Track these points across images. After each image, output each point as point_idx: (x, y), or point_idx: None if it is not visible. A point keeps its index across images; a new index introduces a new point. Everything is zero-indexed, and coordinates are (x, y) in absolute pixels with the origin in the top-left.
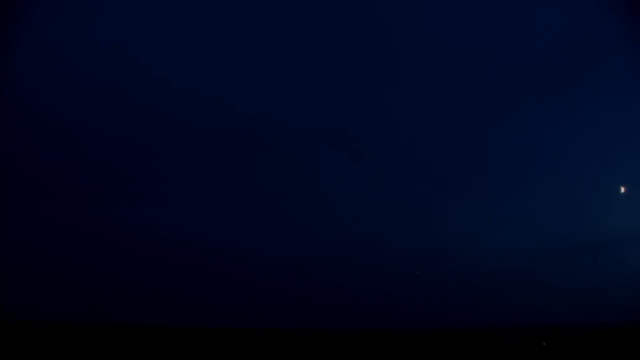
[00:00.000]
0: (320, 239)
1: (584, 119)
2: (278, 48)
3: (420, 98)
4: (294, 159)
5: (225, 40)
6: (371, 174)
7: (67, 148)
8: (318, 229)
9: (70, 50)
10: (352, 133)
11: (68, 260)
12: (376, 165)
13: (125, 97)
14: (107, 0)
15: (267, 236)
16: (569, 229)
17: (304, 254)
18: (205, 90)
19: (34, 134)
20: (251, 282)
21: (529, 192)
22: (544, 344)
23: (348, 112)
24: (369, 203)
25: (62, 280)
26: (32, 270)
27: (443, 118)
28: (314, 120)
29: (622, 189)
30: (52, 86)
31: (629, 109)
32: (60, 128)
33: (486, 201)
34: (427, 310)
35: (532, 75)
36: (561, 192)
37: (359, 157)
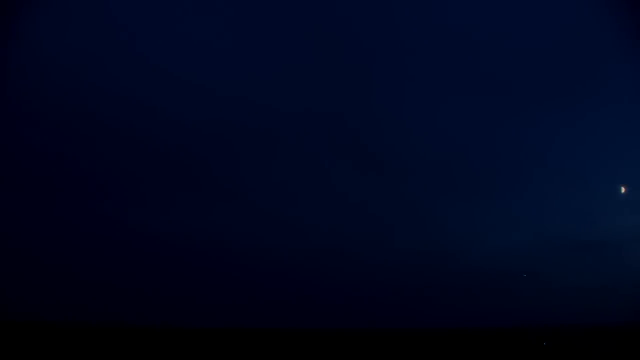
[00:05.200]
0: (322, 238)
1: (586, 120)
2: (286, 48)
3: (424, 98)
4: (299, 157)
5: (234, 38)
6: (375, 173)
7: (74, 147)
8: (321, 229)
9: (76, 49)
10: (356, 132)
11: (72, 259)
12: (380, 164)
13: (131, 96)
14: None
15: (270, 235)
16: (569, 228)
17: (306, 253)
18: (215, 90)
19: (40, 133)
20: (253, 282)
21: (530, 193)
22: (544, 344)
23: (353, 110)
24: (372, 202)
25: (66, 280)
26: (38, 270)
27: (447, 119)
28: (319, 119)
29: (623, 189)
30: (56, 86)
31: (630, 110)
32: (67, 128)
33: (487, 201)
34: (428, 310)
35: (535, 77)
36: (562, 192)
37: (363, 155)
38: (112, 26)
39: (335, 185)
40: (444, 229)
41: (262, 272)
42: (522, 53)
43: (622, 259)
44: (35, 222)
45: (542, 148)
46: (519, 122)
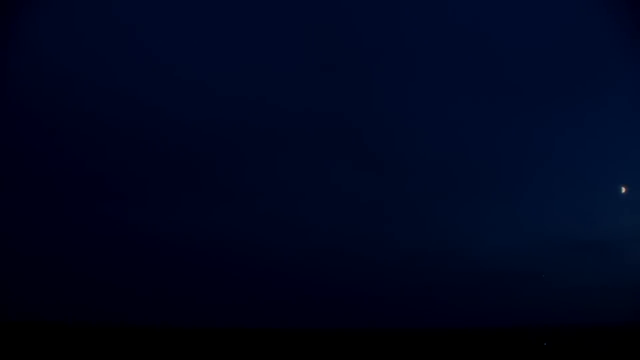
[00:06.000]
0: (322, 238)
1: (586, 120)
2: (287, 47)
3: (425, 98)
4: (300, 157)
5: (235, 37)
6: (375, 173)
7: (75, 147)
8: (321, 229)
9: (76, 49)
10: (357, 131)
11: (72, 259)
12: (381, 164)
13: (131, 96)
14: None
15: (270, 235)
16: (570, 229)
17: (306, 253)
18: (216, 89)
19: (40, 133)
20: (253, 282)
21: (531, 193)
22: (545, 344)
23: (353, 110)
24: (372, 202)
25: (66, 280)
26: (38, 270)
27: (448, 119)
28: (320, 119)
29: (624, 189)
30: (56, 86)
31: (631, 110)
32: (67, 128)
33: (488, 201)
34: (428, 310)
35: (536, 77)
36: (563, 192)
37: (363, 155)
38: (112, 26)
39: (335, 185)
40: (444, 229)
41: (262, 272)
42: (523, 53)
43: (622, 259)
44: (35, 222)
45: (542, 148)
46: (520, 122)
